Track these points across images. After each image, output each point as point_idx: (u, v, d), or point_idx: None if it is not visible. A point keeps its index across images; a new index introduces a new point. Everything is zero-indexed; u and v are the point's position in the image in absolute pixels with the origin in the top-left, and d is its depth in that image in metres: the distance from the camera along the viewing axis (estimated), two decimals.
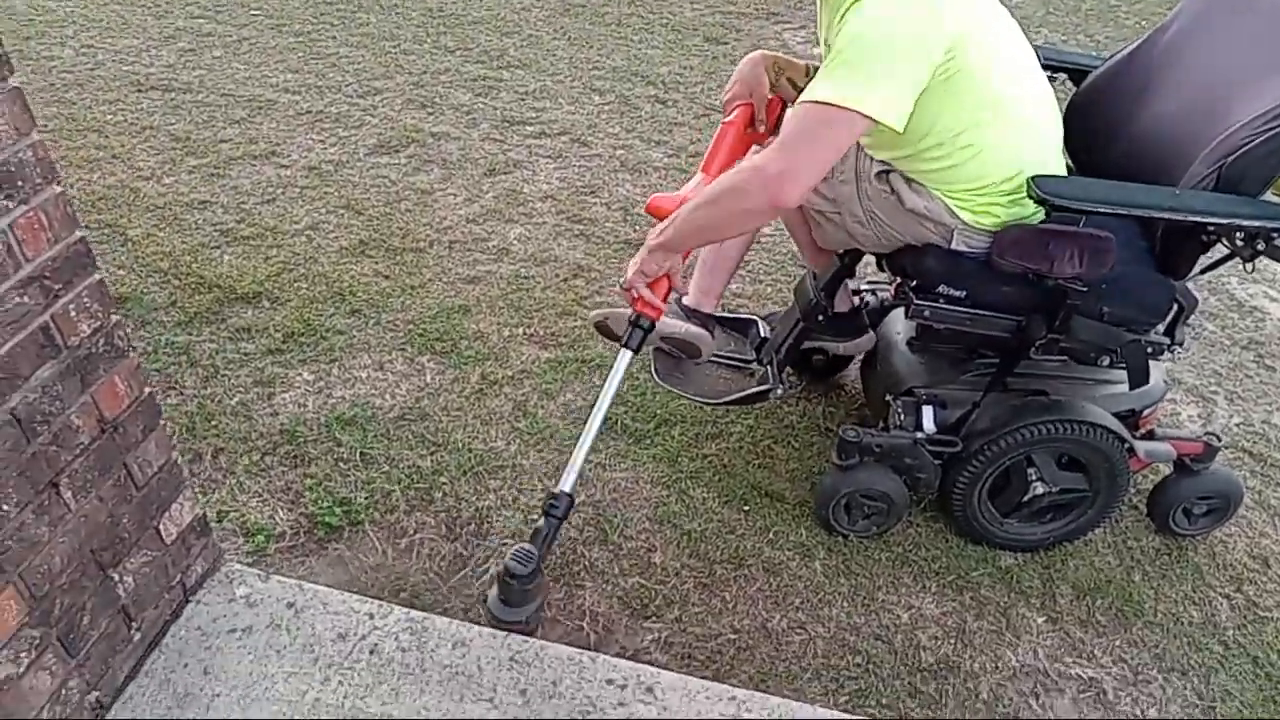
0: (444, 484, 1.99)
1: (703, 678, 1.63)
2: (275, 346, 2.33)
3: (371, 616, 1.59)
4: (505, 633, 1.59)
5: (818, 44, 1.83)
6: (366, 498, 1.94)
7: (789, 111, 1.52)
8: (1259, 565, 1.96)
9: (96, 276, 1.29)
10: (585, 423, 2.14)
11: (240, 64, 4.09)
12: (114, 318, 1.33)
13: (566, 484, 1.69)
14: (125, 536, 1.41)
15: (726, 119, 1.90)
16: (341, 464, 2.02)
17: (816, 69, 1.93)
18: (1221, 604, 1.87)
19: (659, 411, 2.21)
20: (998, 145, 1.61)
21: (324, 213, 2.95)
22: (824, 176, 1.82)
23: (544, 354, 2.38)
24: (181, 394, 2.17)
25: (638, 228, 3.00)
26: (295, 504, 1.92)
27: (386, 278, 2.65)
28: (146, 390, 1.41)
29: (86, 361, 1.29)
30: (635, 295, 1.73)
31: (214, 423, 2.09)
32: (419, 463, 2.03)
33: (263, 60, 4.14)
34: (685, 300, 2.04)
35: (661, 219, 1.71)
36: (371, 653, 1.53)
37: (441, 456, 2.06)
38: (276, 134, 3.46)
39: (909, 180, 1.71)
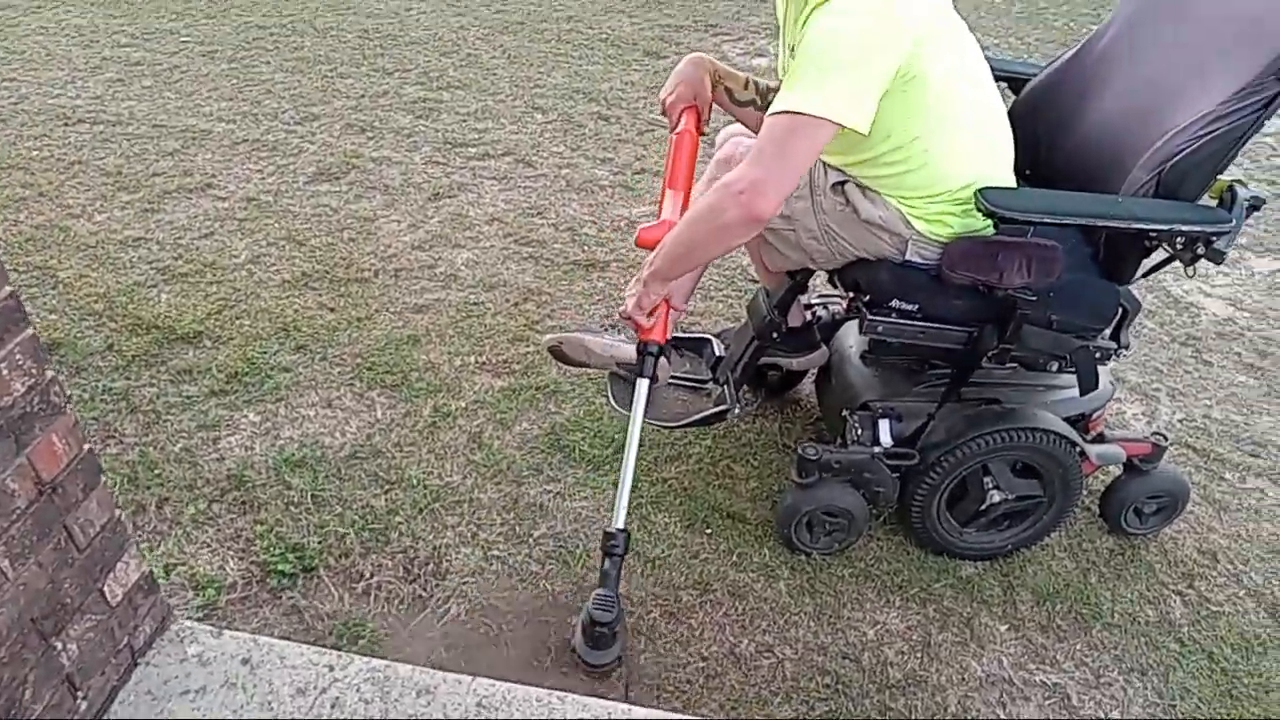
0: (400, 523, 1.95)
1: (674, 709, 1.62)
2: (219, 388, 2.27)
3: (331, 668, 1.55)
4: (473, 677, 1.56)
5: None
6: (320, 542, 1.89)
7: (763, 122, 1.51)
8: (1208, 560, 2.00)
9: (29, 331, 1.24)
10: (545, 452, 2.13)
11: (172, 93, 4.00)
12: (49, 373, 1.27)
13: (619, 521, 1.69)
14: (68, 602, 1.35)
15: (677, 128, 1.88)
16: (293, 508, 1.97)
17: (754, 82, 1.94)
18: (1175, 601, 1.91)
19: (616, 436, 2.19)
20: (953, 153, 1.62)
21: (264, 245, 2.89)
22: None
23: (497, 382, 2.35)
24: (121, 442, 2.10)
25: (586, 248, 2.98)
26: (246, 552, 1.87)
27: (331, 310, 2.60)
28: (86, 447, 1.35)
29: (21, 422, 1.23)
30: (637, 324, 1.75)
31: (157, 471, 2.03)
32: (373, 502, 1.99)
33: (195, 89, 4.05)
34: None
35: (651, 248, 1.72)
36: (333, 707, 1.49)
37: (396, 495, 2.01)
38: (212, 165, 3.38)
39: (864, 190, 1.71)
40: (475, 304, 2.66)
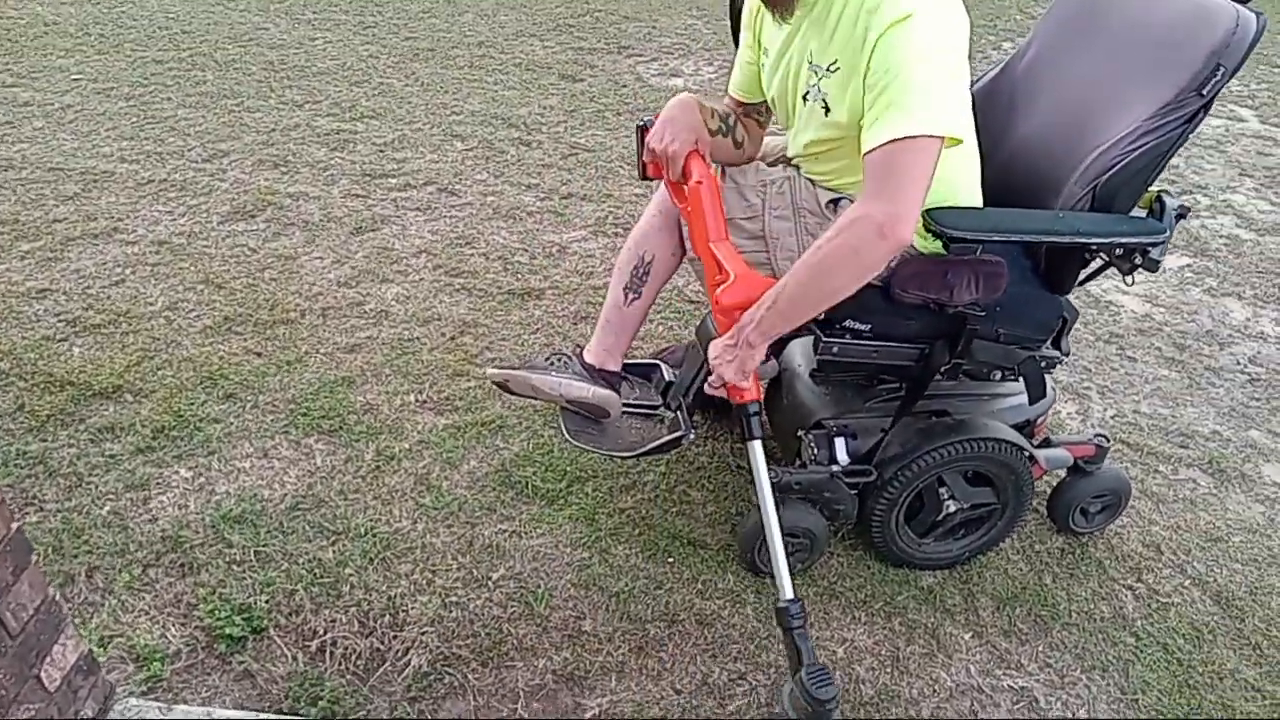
0: (350, 575, 1.87)
1: None
2: (144, 444, 2.15)
3: None
4: None
5: (751, 54, 1.80)
6: (267, 601, 1.80)
7: (871, 154, 1.46)
8: (1153, 553, 2.07)
9: None
10: (496, 490, 2.08)
11: (66, 134, 3.81)
12: None
13: (788, 592, 1.62)
14: (2, 694, 1.25)
15: (696, 179, 1.74)
16: (235, 567, 1.87)
17: (714, 111, 1.89)
18: (1127, 596, 1.96)
19: (569, 469, 2.15)
20: (952, 167, 1.64)
21: (181, 290, 2.76)
22: (749, 217, 1.82)
23: (441, 420, 2.28)
24: (42, 509, 1.97)
25: (520, 276, 2.94)
26: (188, 618, 1.76)
27: (259, 355, 2.49)
28: (14, 526, 1.26)
29: None
30: (733, 388, 1.68)
31: (84, 538, 1.90)
32: (320, 555, 1.91)
33: (92, 129, 3.86)
34: (588, 359, 1.99)
35: (742, 310, 1.63)
36: None
37: (344, 545, 1.93)
38: (117, 208, 3.22)
39: None
40: (410, 340, 2.59)
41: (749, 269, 1.68)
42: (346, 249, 3.05)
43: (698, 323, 2.15)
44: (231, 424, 2.23)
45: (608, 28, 5.44)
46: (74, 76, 4.43)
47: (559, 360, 1.99)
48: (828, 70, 1.59)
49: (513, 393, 2.01)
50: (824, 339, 1.76)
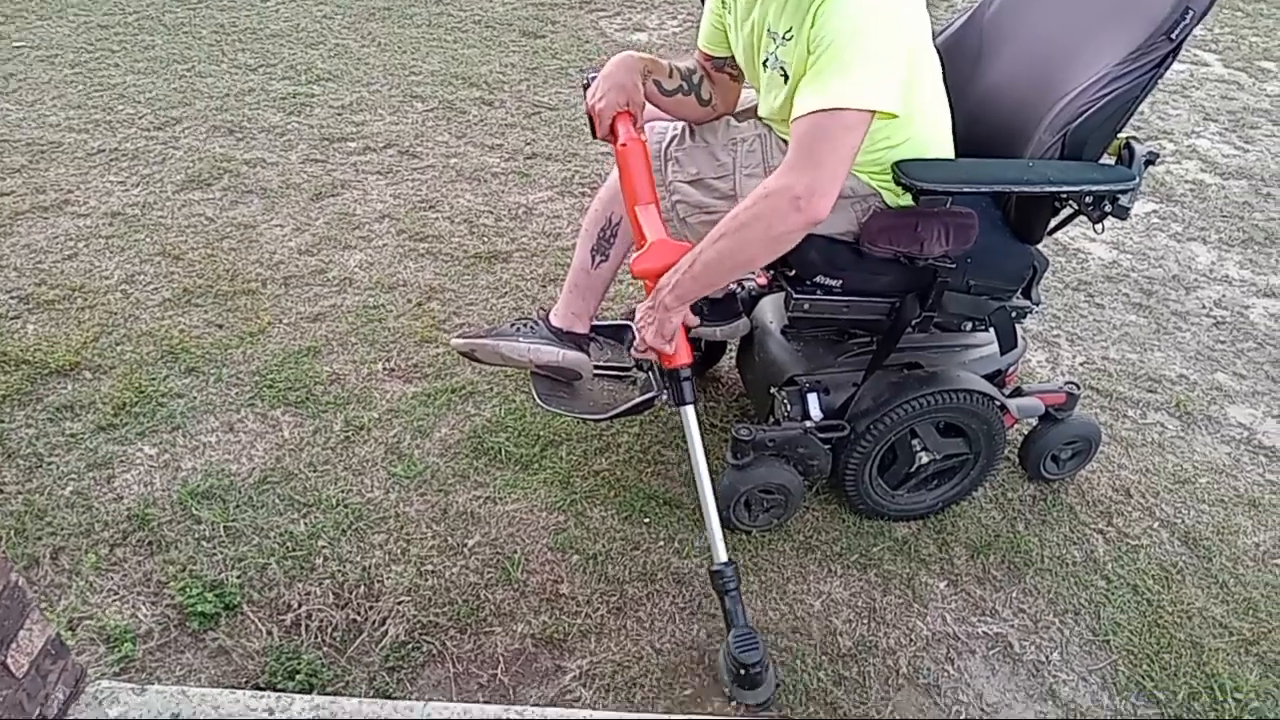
0: (323, 548, 1.84)
1: (633, 708, 1.59)
2: (106, 422, 2.10)
3: (270, 712, 1.46)
4: (424, 701, 1.49)
5: (726, 21, 1.76)
6: (239, 576, 1.78)
7: (797, 123, 1.43)
8: (1122, 496, 2.09)
9: None
10: (469, 457, 2.06)
11: (10, 104, 3.67)
12: None
13: (721, 555, 1.64)
14: None
15: (621, 142, 1.73)
16: (205, 543, 1.84)
17: (675, 68, 1.87)
18: (1097, 540, 1.98)
19: (542, 433, 2.13)
20: (926, 123, 1.64)
21: (137, 263, 2.69)
22: (720, 176, 1.79)
23: (410, 389, 2.25)
24: (2, 492, 1.92)
25: (486, 239, 2.89)
26: (159, 596, 1.73)
27: (220, 327, 2.44)
28: None
29: None
30: (659, 353, 1.66)
31: (47, 519, 1.86)
32: (291, 528, 1.88)
33: (37, 98, 3.73)
34: (555, 322, 1.96)
35: (655, 278, 1.61)
36: None
37: (315, 517, 1.91)
38: (67, 180, 3.12)
39: None
40: (375, 307, 2.55)
41: (666, 235, 1.66)
42: (307, 216, 2.98)
43: None
44: (195, 398, 2.19)
45: None
46: (15, 44, 4.27)
47: (526, 325, 1.96)
48: (784, 38, 1.56)
49: (480, 361, 1.99)
50: (795, 296, 1.75)
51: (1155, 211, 3.24)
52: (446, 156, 3.40)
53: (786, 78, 1.58)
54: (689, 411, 1.68)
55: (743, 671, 1.58)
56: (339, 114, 3.70)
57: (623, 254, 1.93)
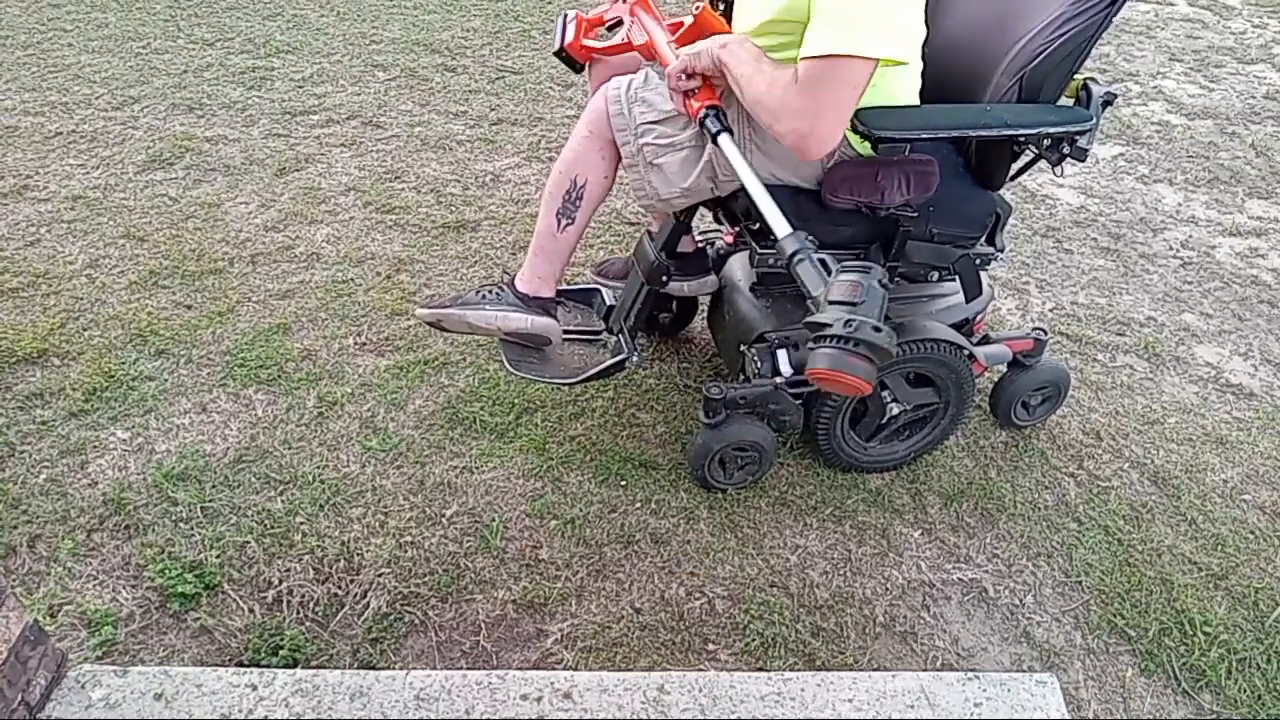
0: (301, 524, 1.85)
1: (614, 667, 1.61)
2: (77, 408, 2.08)
3: (254, 687, 1.47)
4: (407, 670, 1.50)
5: None
6: (218, 556, 1.78)
7: (805, 64, 1.43)
8: (1092, 439, 2.12)
9: None
10: (444, 428, 2.06)
11: None
12: None
13: (784, 228, 1.51)
14: None
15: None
16: (182, 524, 1.84)
17: None
18: (1069, 484, 2.01)
19: (516, 401, 2.13)
20: (898, 74, 1.62)
21: (101, 246, 2.66)
22: None
23: (382, 362, 2.25)
24: None
25: (454, 208, 2.87)
26: (138, 579, 1.74)
27: (188, 308, 2.42)
28: None
29: None
30: (688, 91, 1.67)
31: (22, 507, 1.86)
32: (269, 506, 1.88)
33: None
34: (521, 288, 1.95)
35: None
36: None
37: (292, 494, 1.91)
38: (24, 164, 3.07)
39: None
40: (344, 282, 2.53)
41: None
42: (271, 192, 2.95)
43: (635, 244, 2.13)
44: (166, 380, 2.17)
45: None
46: None
47: (492, 292, 1.95)
48: None
49: (448, 330, 1.98)
50: (759, 251, 1.75)
51: (1122, 154, 3.25)
52: (410, 126, 3.36)
53: None
54: (726, 139, 1.63)
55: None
56: (300, 86, 3.64)
57: (588, 218, 1.92)
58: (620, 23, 1.99)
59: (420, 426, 2.07)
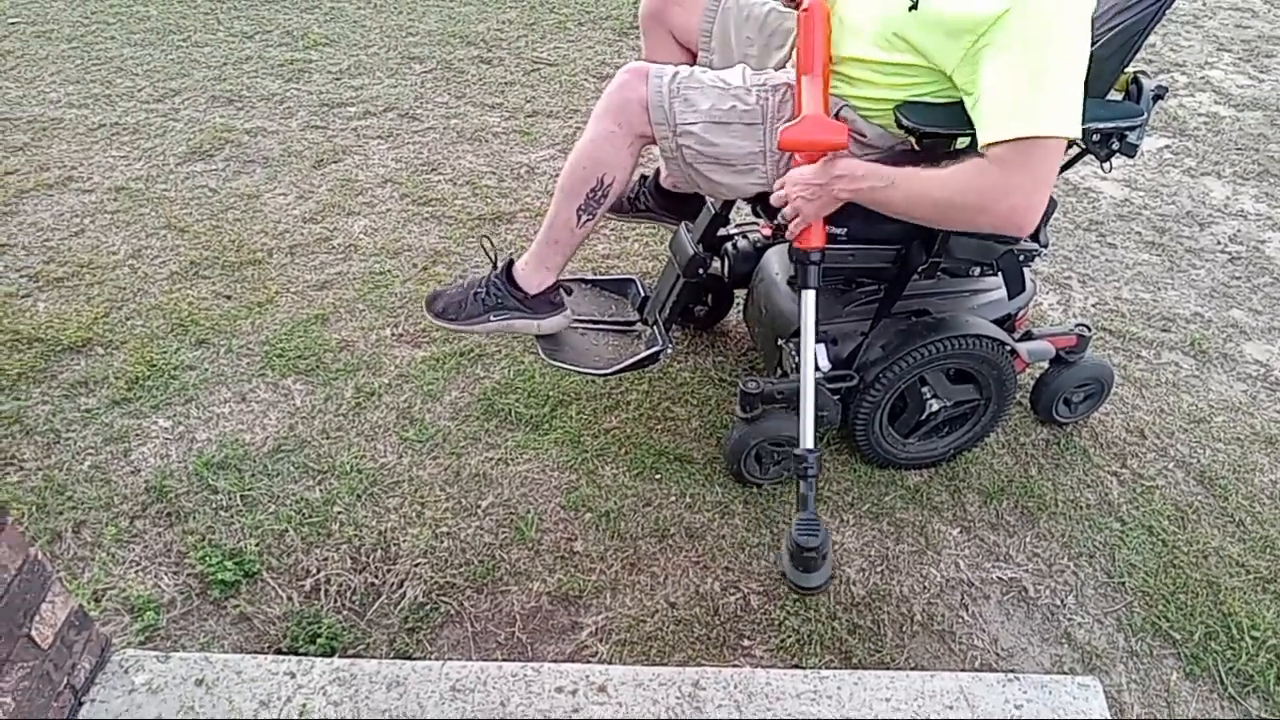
0: (339, 513, 1.86)
1: (649, 661, 1.61)
2: (120, 396, 2.11)
3: (293, 675, 1.48)
4: (443, 661, 1.51)
5: None
6: (258, 544, 1.80)
7: (1004, 147, 1.41)
8: (1136, 438, 2.08)
9: None
10: (480, 419, 2.07)
11: (9, 82, 3.66)
12: None
13: (808, 441, 1.65)
14: None
15: (802, 6, 1.68)
16: (222, 512, 1.86)
17: None
18: (1112, 482, 1.98)
19: (551, 393, 2.13)
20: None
21: (144, 237, 2.69)
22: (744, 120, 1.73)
23: (418, 353, 2.26)
24: (22, 469, 1.95)
25: (490, 200, 2.88)
26: (180, 566, 1.76)
27: (228, 298, 2.44)
28: None
29: None
30: (799, 226, 1.65)
31: (67, 494, 1.89)
32: (307, 495, 1.90)
33: (35, 74, 3.71)
34: (524, 283, 1.92)
35: (804, 150, 1.60)
36: (301, 714, 1.43)
37: (330, 484, 1.92)
38: (69, 156, 3.12)
39: (861, 114, 1.68)
40: (381, 273, 2.54)
41: (823, 111, 1.60)
42: (309, 183, 2.97)
43: (671, 236, 2.11)
44: (207, 370, 2.20)
45: None
46: (10, 20, 4.24)
47: (490, 294, 1.93)
48: None
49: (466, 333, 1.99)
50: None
51: (1168, 146, 3.19)
52: (447, 118, 3.37)
53: (914, 6, 1.51)
54: (809, 295, 1.67)
55: (801, 554, 1.60)
56: (337, 79, 3.67)
57: (603, 213, 1.89)
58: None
59: (456, 418, 2.08)
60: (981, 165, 1.45)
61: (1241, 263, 2.63)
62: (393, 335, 2.31)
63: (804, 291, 1.68)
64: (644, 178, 2.29)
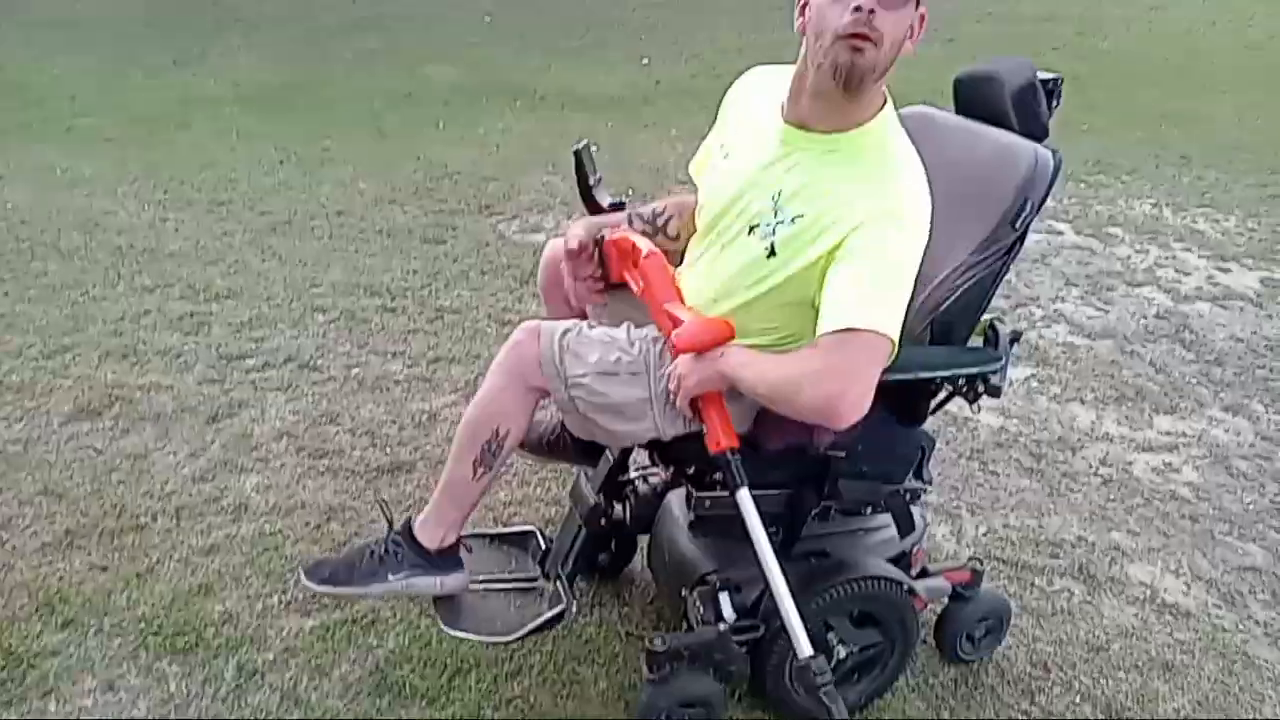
0: None
1: None
2: None
3: None
4: None
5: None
6: None
7: (839, 335, 1.51)
8: (1041, 672, 2.09)
9: None
10: (371, 695, 1.95)
11: None
12: None
13: (806, 648, 1.60)
14: None
15: (643, 256, 1.79)
16: None
17: (639, 214, 1.94)
18: None
19: (449, 660, 2.03)
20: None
21: (16, 505, 2.55)
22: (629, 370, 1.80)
23: (307, 622, 2.14)
24: None
25: (389, 450, 2.86)
26: None
27: (104, 569, 2.30)
28: None
29: None
30: (683, 398, 1.69)
31: None
32: None
33: None
34: (424, 539, 1.88)
35: (702, 348, 1.65)
36: None
37: None
38: None
39: None
40: (272, 534, 2.45)
41: (699, 314, 1.70)
42: (202, 440, 2.91)
43: (571, 484, 2.12)
44: (71, 655, 2.03)
45: (467, 189, 5.54)
46: None
47: (390, 552, 1.88)
48: (791, 221, 1.62)
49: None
50: (696, 495, 1.76)
51: (1034, 375, 3.43)
52: (348, 367, 3.40)
53: (771, 254, 1.64)
54: (745, 494, 1.65)
55: None
56: (238, 331, 3.69)
57: (502, 466, 1.90)
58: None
59: (345, 695, 1.95)
60: (808, 352, 1.56)
61: (1114, 485, 2.78)
62: (280, 603, 2.20)
63: (739, 493, 1.66)
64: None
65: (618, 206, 2.08)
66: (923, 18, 1.57)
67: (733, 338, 1.67)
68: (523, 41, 8.38)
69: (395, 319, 3.82)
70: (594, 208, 2.10)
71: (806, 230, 1.60)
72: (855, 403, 1.51)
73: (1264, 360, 3.58)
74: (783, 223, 1.63)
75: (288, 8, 9.54)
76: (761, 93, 1.77)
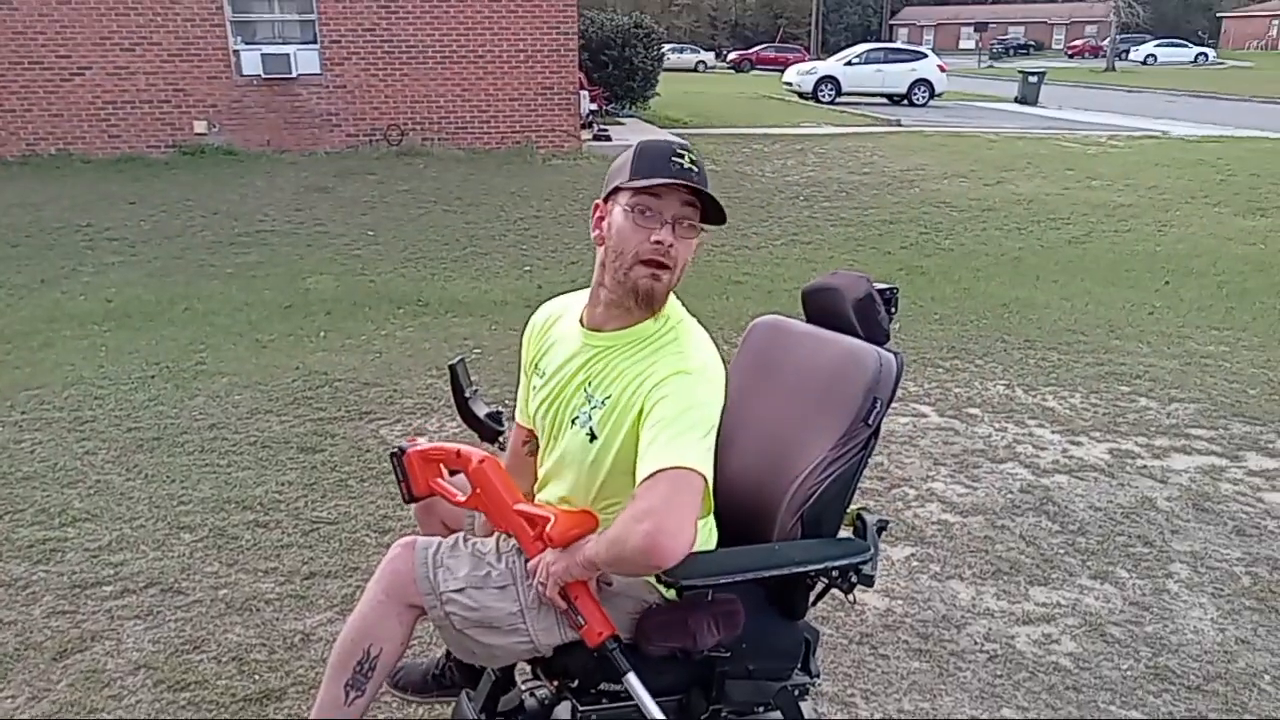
0: None
1: None
2: None
3: None
4: None
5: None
6: None
7: (656, 476, 1.58)
8: None
9: None
10: None
11: None
12: None
13: None
14: None
15: (474, 463, 1.82)
16: None
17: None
18: None
19: None
20: (703, 535, 1.78)
21: None
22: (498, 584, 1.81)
23: None
24: None
25: (257, 677, 2.67)
26: None
27: None
28: None
29: None
30: (553, 587, 1.72)
31: None
32: None
33: None
34: None
35: (574, 541, 1.71)
36: None
37: None
38: None
39: None
40: None
41: (559, 510, 1.76)
42: (46, 680, 2.66)
43: (453, 706, 2.03)
44: None
45: (347, 395, 5.49)
46: None
47: None
48: (600, 402, 1.74)
49: None
50: (581, 708, 1.70)
51: (914, 554, 3.52)
52: (215, 588, 3.21)
53: (593, 438, 1.75)
54: (633, 678, 1.65)
55: None
56: (95, 556, 3.46)
57: (379, 685, 1.83)
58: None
59: None
60: (628, 506, 1.62)
61: (1000, 660, 2.82)
62: None
63: (626, 678, 1.67)
64: (449, 652, 2.24)
65: (494, 417, 2.14)
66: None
67: (597, 526, 1.73)
68: (406, 254, 8.61)
69: (267, 534, 3.66)
70: (470, 420, 2.15)
71: (615, 407, 1.73)
72: (674, 534, 1.55)
73: (1122, 527, 3.78)
74: (596, 407, 1.76)
75: (165, 224, 9.58)
76: (558, 317, 1.96)
